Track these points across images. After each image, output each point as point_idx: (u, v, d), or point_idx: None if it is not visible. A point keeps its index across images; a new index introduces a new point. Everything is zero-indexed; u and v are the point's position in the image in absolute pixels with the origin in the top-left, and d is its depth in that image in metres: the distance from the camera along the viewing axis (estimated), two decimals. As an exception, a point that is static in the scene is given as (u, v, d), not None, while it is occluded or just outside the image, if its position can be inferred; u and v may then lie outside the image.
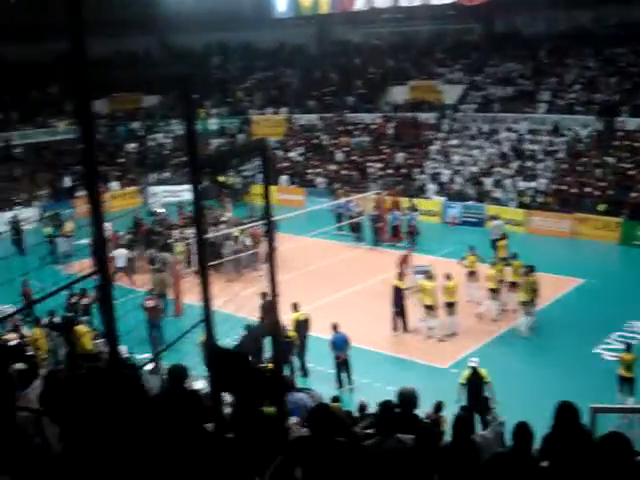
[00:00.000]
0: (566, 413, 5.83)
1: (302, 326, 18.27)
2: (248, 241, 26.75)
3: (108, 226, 23.29)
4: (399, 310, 20.44)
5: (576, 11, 39.86)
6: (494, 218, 28.97)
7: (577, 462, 5.24)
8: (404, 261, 23.16)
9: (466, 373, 14.90)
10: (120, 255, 25.00)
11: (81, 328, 17.63)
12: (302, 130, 44.76)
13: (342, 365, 17.60)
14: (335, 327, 17.57)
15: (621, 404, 15.25)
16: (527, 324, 19.97)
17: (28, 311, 19.95)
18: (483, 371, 14.80)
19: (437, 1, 41.82)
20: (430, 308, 19.87)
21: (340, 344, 17.41)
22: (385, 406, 5.85)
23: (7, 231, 30.12)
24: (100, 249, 3.26)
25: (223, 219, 29.53)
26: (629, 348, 16.22)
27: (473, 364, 14.91)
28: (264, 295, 18.46)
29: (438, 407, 11.96)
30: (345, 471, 5.05)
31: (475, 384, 14.64)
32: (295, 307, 18.16)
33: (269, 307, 18.11)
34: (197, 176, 3.85)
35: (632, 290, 22.81)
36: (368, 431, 6.12)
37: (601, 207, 29.99)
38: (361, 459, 5.16)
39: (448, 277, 20.27)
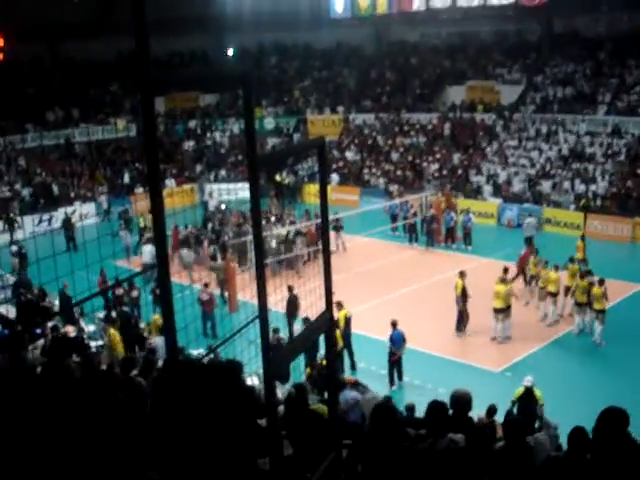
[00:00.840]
0: (610, 419, 5.73)
1: (348, 323, 18.34)
2: (298, 240, 26.85)
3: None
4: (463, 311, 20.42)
5: (637, 12, 39.03)
6: (529, 215, 29.75)
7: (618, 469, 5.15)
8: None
9: (519, 391, 14.07)
10: (146, 251, 25.08)
11: (158, 318, 18.04)
12: (358, 130, 44.77)
13: (395, 363, 17.63)
14: (394, 324, 17.63)
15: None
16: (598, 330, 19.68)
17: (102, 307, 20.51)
18: (538, 392, 13.91)
19: (496, 1, 41.41)
20: (497, 311, 19.75)
21: (398, 341, 17.48)
22: (433, 406, 5.84)
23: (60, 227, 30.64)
24: (160, 245, 3.32)
25: (279, 217, 29.75)
26: None
27: (527, 383, 14.00)
28: (290, 289, 18.76)
29: (491, 411, 11.69)
30: (402, 470, 5.06)
31: (527, 404, 13.76)
32: (339, 305, 18.04)
33: (294, 301, 18.60)
34: (255, 174, 3.89)
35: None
36: (420, 432, 6.11)
37: None
38: (416, 460, 5.16)
39: (503, 280, 20.07)
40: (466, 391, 6.47)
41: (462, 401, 6.32)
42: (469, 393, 6.45)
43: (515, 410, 13.85)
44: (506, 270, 20.55)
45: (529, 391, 13.89)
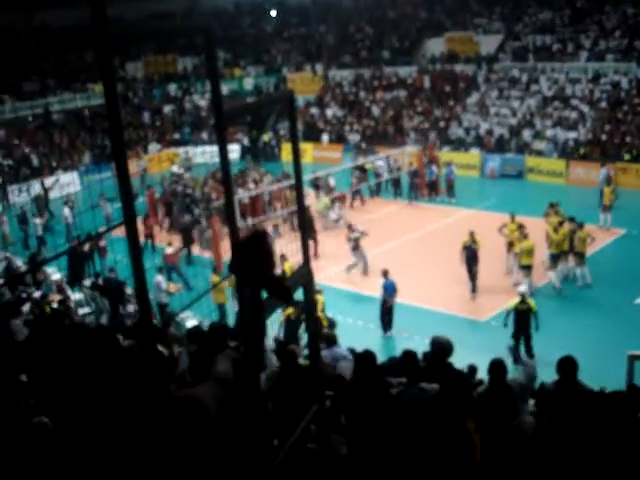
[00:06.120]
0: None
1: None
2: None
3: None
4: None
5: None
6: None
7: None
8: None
9: (515, 302, 15.68)
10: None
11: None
12: (338, 86, 44.50)
13: (387, 312, 17.78)
14: (385, 273, 17.89)
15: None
16: (557, 277, 19.86)
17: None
18: (531, 301, 15.78)
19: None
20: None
21: (390, 289, 17.66)
22: (405, 356, 5.92)
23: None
24: (128, 206, 3.34)
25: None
26: None
27: (522, 291, 15.86)
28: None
29: (472, 371, 10.72)
30: (377, 418, 5.15)
31: (523, 312, 15.57)
32: (283, 258, 17.91)
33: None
34: (223, 130, 3.91)
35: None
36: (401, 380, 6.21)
37: (627, 156, 29.84)
38: (389, 408, 5.25)
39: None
40: (445, 338, 6.56)
41: (440, 347, 6.41)
42: (448, 339, 6.54)
43: (512, 320, 15.71)
44: (521, 226, 20.19)
45: (524, 301, 15.59)
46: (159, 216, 28.30)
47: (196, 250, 24.36)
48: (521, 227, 20.05)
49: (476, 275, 19.70)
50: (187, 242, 24.59)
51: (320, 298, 17.35)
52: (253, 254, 3.22)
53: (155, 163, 37.82)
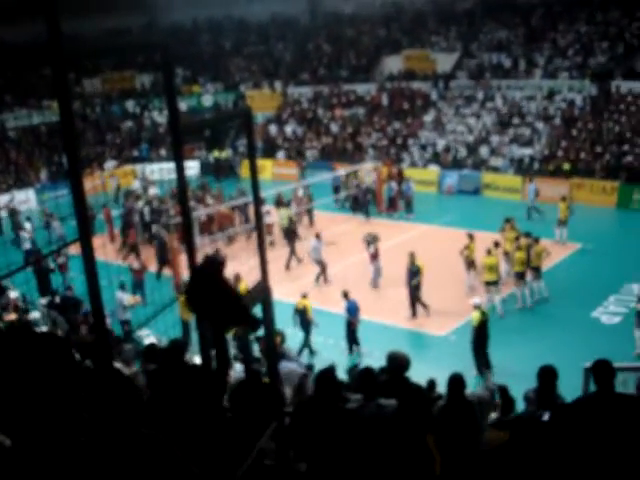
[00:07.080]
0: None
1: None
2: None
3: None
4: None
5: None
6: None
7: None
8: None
9: (478, 316, 15.69)
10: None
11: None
12: (297, 103, 44.63)
13: (353, 333, 17.68)
14: (346, 295, 17.81)
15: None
16: (519, 295, 20.00)
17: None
18: (487, 310, 16.48)
19: (428, -31, 41.55)
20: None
21: (353, 310, 17.57)
22: (362, 372, 5.94)
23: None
24: (83, 224, 3.32)
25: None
26: None
27: (477, 302, 15.97)
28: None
29: (431, 386, 10.62)
30: (335, 435, 5.15)
31: (484, 323, 15.69)
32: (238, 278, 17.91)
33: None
34: (180, 143, 3.90)
35: (628, 253, 22.85)
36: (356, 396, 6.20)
37: (566, 166, 30.60)
38: (347, 425, 5.25)
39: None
40: (401, 353, 6.57)
41: (396, 362, 6.42)
42: (404, 354, 6.55)
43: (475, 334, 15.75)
44: (497, 244, 20.16)
45: (484, 312, 15.92)
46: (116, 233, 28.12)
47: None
48: (497, 245, 20.11)
49: (420, 298, 19.53)
50: (160, 258, 24.39)
51: (306, 302, 17.54)
52: (210, 285, 3.17)
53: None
